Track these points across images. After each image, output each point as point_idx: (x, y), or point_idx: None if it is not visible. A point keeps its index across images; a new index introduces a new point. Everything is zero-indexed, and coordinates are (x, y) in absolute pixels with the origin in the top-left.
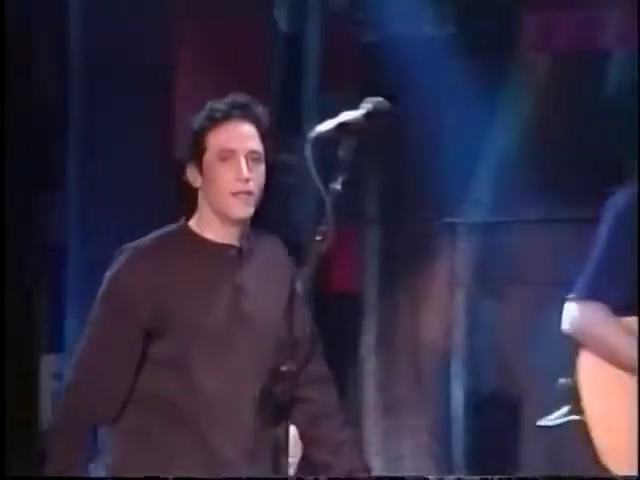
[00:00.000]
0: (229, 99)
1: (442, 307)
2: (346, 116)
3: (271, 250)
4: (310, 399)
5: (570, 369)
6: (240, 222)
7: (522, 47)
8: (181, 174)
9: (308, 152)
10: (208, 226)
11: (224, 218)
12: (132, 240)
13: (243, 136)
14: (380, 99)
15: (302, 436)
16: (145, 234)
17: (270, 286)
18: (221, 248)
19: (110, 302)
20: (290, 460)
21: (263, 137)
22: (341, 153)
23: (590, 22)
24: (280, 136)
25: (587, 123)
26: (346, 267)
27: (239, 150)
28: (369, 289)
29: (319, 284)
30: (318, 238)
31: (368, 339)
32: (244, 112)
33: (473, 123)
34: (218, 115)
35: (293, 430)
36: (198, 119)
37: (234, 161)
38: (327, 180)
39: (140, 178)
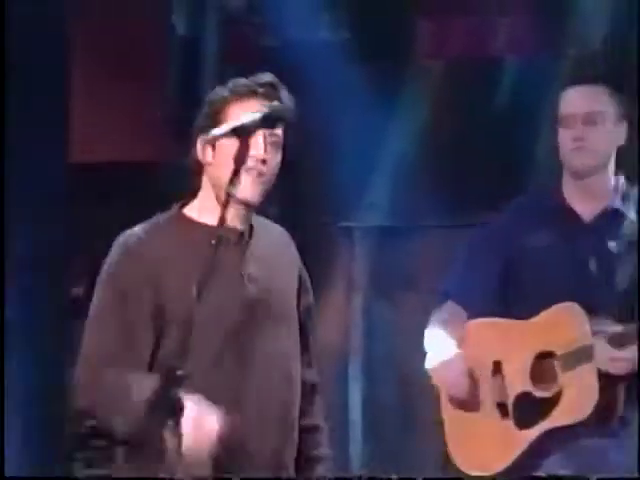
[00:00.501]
0: (256, 77)
1: (339, 311)
2: (242, 119)
3: (277, 239)
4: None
5: None
6: (244, 204)
7: (416, 53)
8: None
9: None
10: (209, 209)
11: (229, 198)
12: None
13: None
14: (276, 103)
15: None
16: (40, 235)
17: (277, 273)
18: (221, 232)
19: (110, 292)
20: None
21: (286, 125)
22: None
23: (483, 28)
24: (178, 139)
25: (481, 129)
26: None
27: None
28: None
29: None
30: (213, 242)
31: None
32: (270, 92)
33: (369, 128)
34: (242, 89)
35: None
36: (219, 90)
37: (252, 138)
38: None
39: (35, 180)
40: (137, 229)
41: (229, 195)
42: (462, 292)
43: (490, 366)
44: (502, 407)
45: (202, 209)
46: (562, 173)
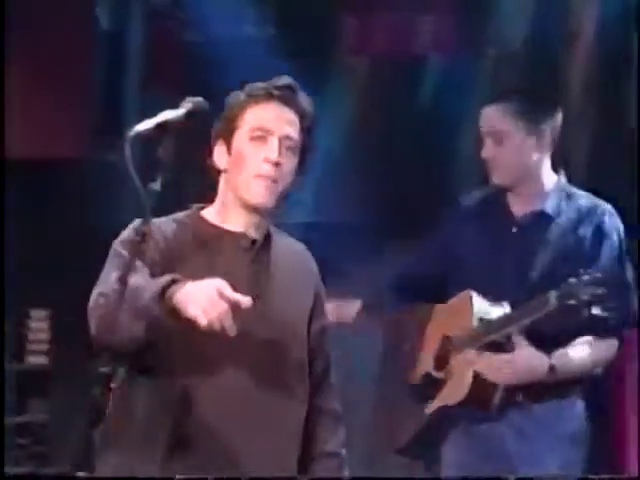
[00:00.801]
0: (274, 80)
1: None
2: (166, 115)
3: (294, 255)
4: (312, 437)
5: None
6: (258, 210)
7: (341, 49)
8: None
9: (127, 151)
10: (224, 213)
11: (243, 204)
12: None
13: (282, 118)
14: (200, 99)
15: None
16: None
17: (287, 289)
18: (232, 236)
19: (128, 252)
20: None
21: (304, 129)
22: (160, 153)
23: (407, 26)
24: (102, 135)
25: (405, 126)
26: None
27: (275, 131)
28: None
29: None
30: (137, 238)
31: None
32: (287, 95)
33: None
34: (259, 93)
35: None
36: (236, 95)
37: (266, 142)
38: (147, 180)
39: None
40: (156, 220)
41: (243, 201)
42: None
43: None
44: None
45: (218, 213)
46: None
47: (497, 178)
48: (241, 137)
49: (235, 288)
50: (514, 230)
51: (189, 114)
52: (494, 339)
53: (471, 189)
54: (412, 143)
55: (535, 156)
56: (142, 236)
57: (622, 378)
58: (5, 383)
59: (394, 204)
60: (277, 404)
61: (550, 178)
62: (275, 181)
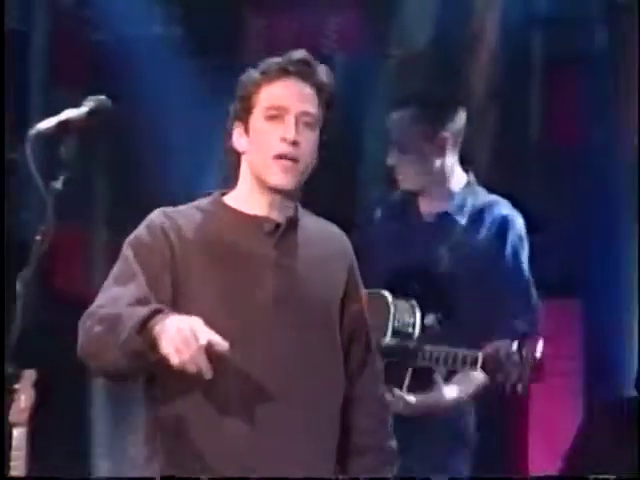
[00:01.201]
0: (289, 54)
1: None
2: (68, 114)
3: (324, 235)
4: (353, 427)
5: None
6: (280, 192)
7: (247, 49)
8: None
9: (28, 150)
10: (246, 198)
11: (263, 186)
12: None
13: (297, 94)
14: (103, 97)
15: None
16: None
17: (318, 270)
18: (255, 220)
19: (130, 252)
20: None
21: (323, 103)
22: (62, 151)
23: (313, 25)
24: (6, 134)
25: None
26: (72, 267)
27: (290, 108)
28: (97, 290)
29: (44, 284)
30: (38, 238)
31: None
32: (303, 70)
33: (201, 123)
34: (273, 69)
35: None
36: (250, 73)
37: (283, 121)
38: (49, 179)
39: None
40: (171, 209)
41: (264, 183)
42: None
43: None
44: None
45: (240, 197)
46: None
47: (403, 184)
48: (257, 117)
49: (259, 275)
50: (421, 230)
51: (91, 112)
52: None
53: (379, 191)
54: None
55: (438, 161)
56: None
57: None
58: None
59: (303, 199)
60: (311, 392)
61: (458, 179)
62: (295, 160)
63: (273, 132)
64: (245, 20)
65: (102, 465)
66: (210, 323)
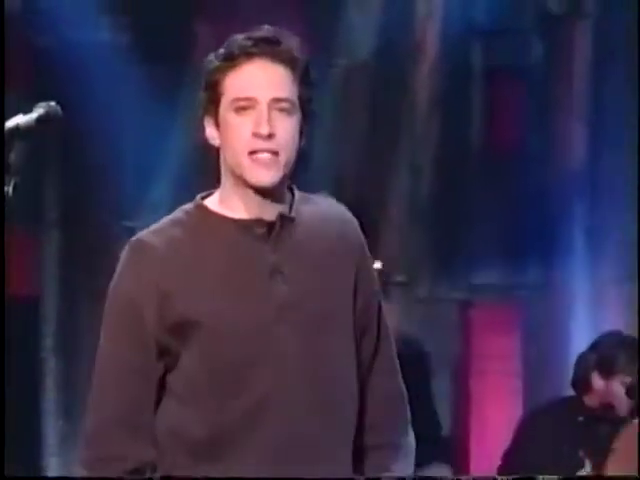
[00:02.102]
0: (253, 33)
1: None
2: (16, 120)
3: (324, 223)
4: (367, 421)
5: None
6: (265, 190)
7: (194, 56)
8: None
9: None
10: (230, 200)
11: (245, 186)
12: None
13: (267, 80)
14: (52, 103)
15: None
16: None
17: (321, 269)
18: (244, 225)
19: (114, 317)
20: None
21: (299, 81)
22: (12, 157)
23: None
24: None
25: None
26: (24, 271)
27: (259, 98)
28: (48, 292)
29: None
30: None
31: (48, 342)
32: (271, 49)
33: (150, 129)
34: (236, 52)
35: None
36: (211, 59)
37: (254, 112)
38: None
39: None
40: (150, 229)
41: (242, 181)
42: None
43: None
44: None
45: (224, 200)
46: None
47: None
48: (225, 109)
49: (260, 285)
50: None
51: (40, 119)
52: None
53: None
54: None
55: None
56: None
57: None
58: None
59: None
60: (325, 399)
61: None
62: (274, 153)
63: (244, 126)
64: (191, 28)
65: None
66: (221, 343)
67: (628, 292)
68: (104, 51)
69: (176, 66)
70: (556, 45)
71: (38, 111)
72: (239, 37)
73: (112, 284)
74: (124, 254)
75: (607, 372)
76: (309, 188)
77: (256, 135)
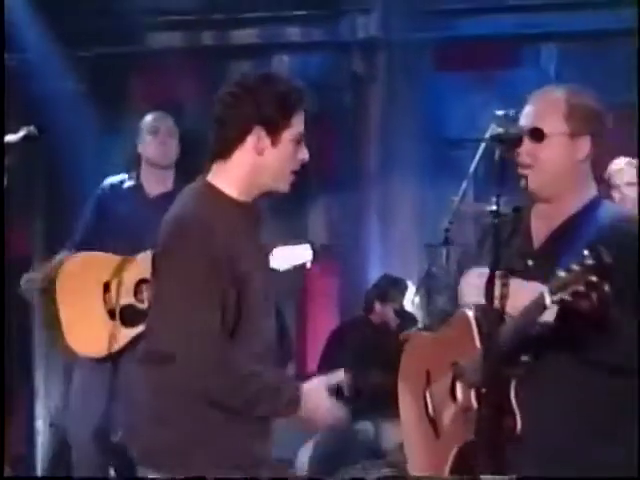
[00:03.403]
0: (293, 82)
1: None
2: (7, 137)
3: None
4: None
5: None
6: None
7: (136, 100)
8: None
9: None
10: (235, 185)
11: (265, 187)
12: None
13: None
14: (32, 127)
15: None
16: None
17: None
18: (245, 206)
19: (196, 251)
20: None
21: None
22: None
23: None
24: None
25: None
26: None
27: (303, 135)
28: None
29: None
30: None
31: None
32: (305, 99)
33: (104, 150)
34: (300, 99)
35: None
36: (288, 92)
37: (301, 145)
38: None
39: None
40: (189, 207)
41: (268, 187)
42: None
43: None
44: (111, 312)
45: (229, 182)
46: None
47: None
48: (287, 137)
49: (260, 252)
50: (149, 206)
51: (25, 137)
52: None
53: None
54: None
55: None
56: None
57: None
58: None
59: None
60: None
61: None
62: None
63: (295, 153)
64: (133, 79)
65: None
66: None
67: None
68: (68, 94)
69: (123, 108)
70: (360, 98)
71: (23, 131)
72: (295, 85)
73: (178, 213)
74: (173, 224)
75: (382, 300)
76: None
77: (302, 162)
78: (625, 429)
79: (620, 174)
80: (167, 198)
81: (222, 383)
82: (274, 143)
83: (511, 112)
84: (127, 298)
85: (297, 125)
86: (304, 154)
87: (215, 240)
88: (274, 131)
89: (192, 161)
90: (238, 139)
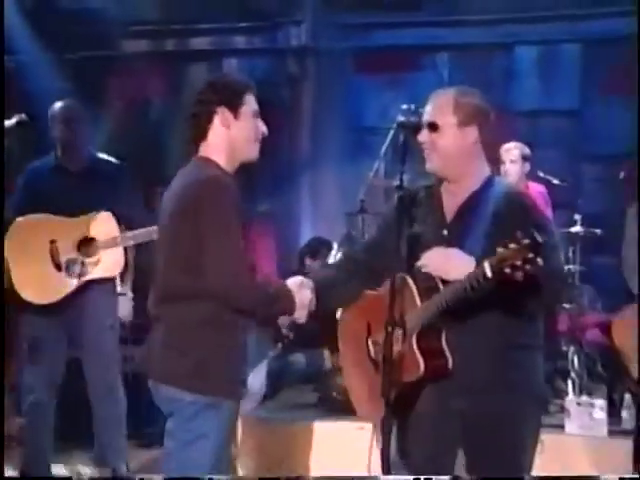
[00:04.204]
0: (241, 76)
1: None
2: (6, 122)
3: None
4: None
5: None
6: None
7: (113, 95)
8: None
9: None
10: (221, 158)
11: (240, 157)
12: None
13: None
14: (23, 115)
15: None
16: None
17: None
18: (232, 175)
19: (229, 201)
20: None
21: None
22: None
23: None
24: None
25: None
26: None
27: (256, 111)
28: None
29: None
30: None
31: None
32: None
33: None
34: (250, 84)
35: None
36: (240, 79)
37: (259, 120)
38: None
39: None
40: (207, 172)
41: (242, 156)
42: None
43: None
44: (57, 266)
45: (228, 162)
46: None
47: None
48: (245, 111)
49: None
50: (72, 178)
51: (18, 122)
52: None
53: None
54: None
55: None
56: None
57: None
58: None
59: None
60: None
61: None
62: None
63: (257, 126)
64: (107, 78)
65: None
66: None
67: (328, 217)
68: (55, 91)
69: (97, 101)
70: (297, 95)
71: (15, 118)
72: (235, 75)
73: (209, 178)
74: (213, 183)
75: (312, 257)
76: None
77: (263, 133)
78: (534, 360)
79: (507, 154)
80: (86, 173)
81: (251, 292)
82: (236, 117)
83: (412, 106)
84: (71, 253)
85: (250, 103)
86: (262, 127)
87: (237, 194)
88: (234, 107)
89: (162, 146)
90: (208, 120)
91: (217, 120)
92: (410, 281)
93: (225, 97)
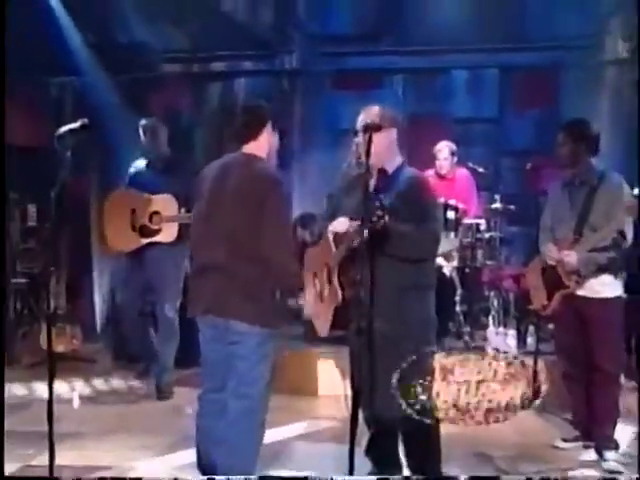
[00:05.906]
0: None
1: None
2: (69, 126)
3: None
4: None
5: None
6: None
7: (152, 108)
8: None
9: (56, 144)
10: (265, 156)
11: (272, 160)
12: None
13: None
14: (86, 119)
15: None
16: None
17: None
18: None
19: (288, 199)
20: None
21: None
22: (66, 147)
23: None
24: None
25: None
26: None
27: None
28: None
29: None
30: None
31: None
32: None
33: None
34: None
35: None
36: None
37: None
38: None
39: None
40: (260, 165)
41: None
42: None
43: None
44: (134, 228)
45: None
46: None
47: None
48: (272, 128)
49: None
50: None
51: (82, 125)
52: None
53: None
54: None
55: None
56: None
57: None
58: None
59: None
60: None
61: None
62: None
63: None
64: (150, 95)
65: None
66: None
67: (313, 197)
68: (110, 105)
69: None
70: (286, 104)
71: (80, 122)
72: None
73: (279, 178)
74: (270, 168)
75: (302, 227)
76: None
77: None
78: (424, 294)
79: (439, 152)
80: (163, 166)
81: (294, 265)
82: (273, 130)
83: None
84: (144, 220)
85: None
86: (277, 141)
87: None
88: (271, 125)
89: (190, 147)
90: (262, 126)
91: (267, 129)
92: (330, 236)
93: (271, 114)
